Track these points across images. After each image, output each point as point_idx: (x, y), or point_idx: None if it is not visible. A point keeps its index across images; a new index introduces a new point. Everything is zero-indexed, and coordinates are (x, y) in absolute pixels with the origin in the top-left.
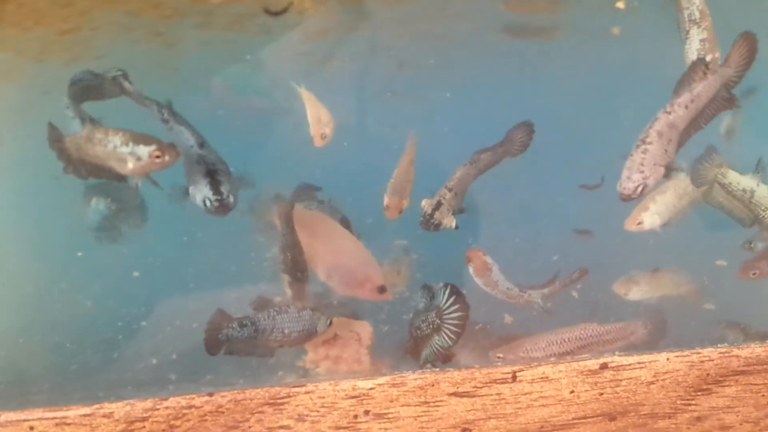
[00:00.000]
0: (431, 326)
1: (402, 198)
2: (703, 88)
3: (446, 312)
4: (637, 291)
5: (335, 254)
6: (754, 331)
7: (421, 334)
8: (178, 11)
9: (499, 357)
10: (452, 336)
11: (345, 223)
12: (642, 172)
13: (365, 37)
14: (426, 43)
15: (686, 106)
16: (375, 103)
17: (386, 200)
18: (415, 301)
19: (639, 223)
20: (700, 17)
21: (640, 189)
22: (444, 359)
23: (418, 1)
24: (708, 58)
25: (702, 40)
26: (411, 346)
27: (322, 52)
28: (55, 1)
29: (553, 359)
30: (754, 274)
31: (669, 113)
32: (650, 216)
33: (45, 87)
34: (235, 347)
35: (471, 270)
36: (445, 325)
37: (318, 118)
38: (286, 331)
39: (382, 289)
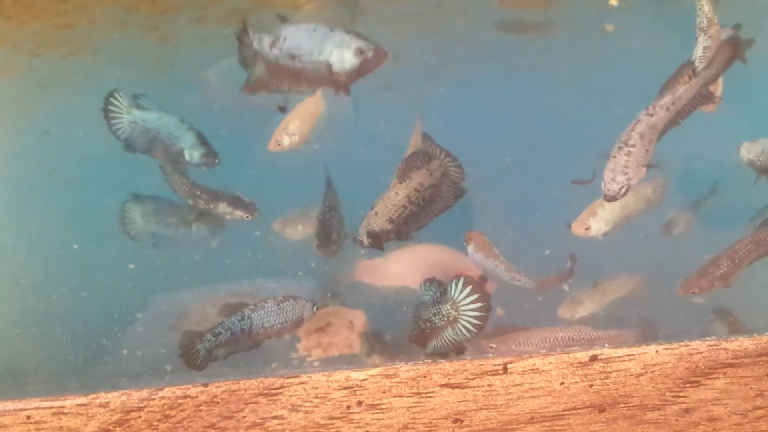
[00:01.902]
0: (445, 318)
1: None
2: (684, 91)
3: (463, 304)
4: (583, 310)
5: (426, 265)
6: (740, 325)
7: (431, 326)
8: (173, 6)
9: (491, 347)
10: (472, 329)
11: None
12: (626, 173)
13: (360, 32)
14: (420, 38)
15: (667, 108)
16: (369, 98)
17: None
18: (417, 293)
19: (587, 228)
20: (707, 25)
21: (624, 190)
22: (458, 351)
23: None
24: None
25: (705, 48)
26: (416, 335)
27: None
28: None
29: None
30: (693, 292)
31: (651, 115)
32: (597, 222)
33: (42, 81)
34: (217, 353)
35: (471, 248)
36: (463, 318)
37: (285, 125)
38: (266, 325)
39: (483, 278)
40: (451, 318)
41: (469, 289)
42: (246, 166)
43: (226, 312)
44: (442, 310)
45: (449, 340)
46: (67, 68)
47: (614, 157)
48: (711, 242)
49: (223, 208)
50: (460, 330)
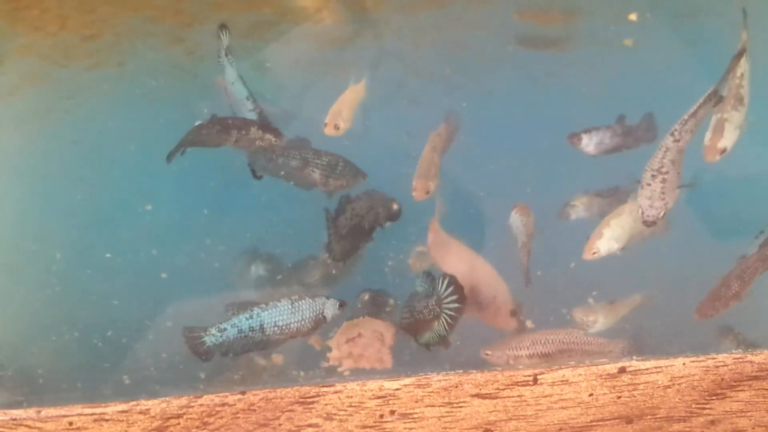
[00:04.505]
0: (432, 313)
1: (428, 180)
2: (704, 112)
3: (445, 301)
4: (593, 322)
5: (479, 277)
6: (750, 339)
7: (422, 318)
8: (198, 18)
9: (487, 354)
10: (447, 326)
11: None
12: (663, 199)
13: (381, 45)
14: (441, 52)
15: (691, 131)
16: (392, 111)
17: (413, 183)
18: (414, 284)
19: (594, 253)
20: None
21: (662, 213)
22: (444, 346)
23: (433, 11)
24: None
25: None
26: (408, 324)
27: (338, 59)
28: (78, 7)
29: (536, 359)
30: (711, 315)
31: (678, 141)
32: (606, 242)
33: (69, 91)
34: (229, 349)
35: (515, 213)
36: (444, 314)
37: (339, 111)
38: (281, 324)
39: (513, 313)
40: (435, 313)
41: (451, 288)
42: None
43: (232, 310)
44: (429, 304)
45: (438, 334)
46: (94, 79)
47: (649, 184)
48: (721, 254)
49: (254, 133)
50: (442, 325)
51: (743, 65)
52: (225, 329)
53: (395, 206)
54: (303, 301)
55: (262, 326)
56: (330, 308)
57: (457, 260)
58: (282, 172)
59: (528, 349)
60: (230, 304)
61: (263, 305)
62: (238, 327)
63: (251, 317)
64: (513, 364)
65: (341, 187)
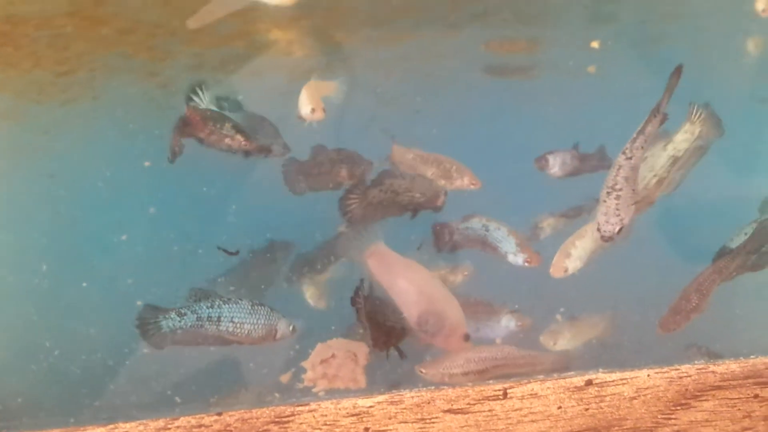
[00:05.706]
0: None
1: None
2: (652, 128)
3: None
4: (563, 339)
5: (430, 301)
6: (716, 351)
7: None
8: (170, 53)
9: (422, 372)
10: (363, 325)
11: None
12: (618, 215)
13: (352, 77)
14: (412, 81)
15: (642, 147)
16: (365, 140)
17: (467, 180)
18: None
19: (565, 270)
20: None
21: (618, 229)
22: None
23: (403, 43)
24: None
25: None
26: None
27: None
28: (52, 44)
29: (471, 376)
30: (674, 329)
31: (630, 158)
32: (573, 261)
33: (44, 127)
34: (180, 338)
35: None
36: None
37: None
38: (236, 320)
39: (467, 337)
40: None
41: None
42: (237, 190)
43: (195, 296)
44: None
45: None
46: (69, 114)
47: (604, 201)
48: (686, 269)
49: (227, 129)
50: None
51: (681, 148)
52: (185, 314)
53: (442, 198)
54: (262, 307)
55: (219, 318)
56: (283, 325)
57: (407, 284)
58: (318, 183)
59: (462, 367)
60: (194, 289)
61: (225, 298)
62: (197, 314)
63: (212, 306)
64: (448, 381)
65: (362, 175)
